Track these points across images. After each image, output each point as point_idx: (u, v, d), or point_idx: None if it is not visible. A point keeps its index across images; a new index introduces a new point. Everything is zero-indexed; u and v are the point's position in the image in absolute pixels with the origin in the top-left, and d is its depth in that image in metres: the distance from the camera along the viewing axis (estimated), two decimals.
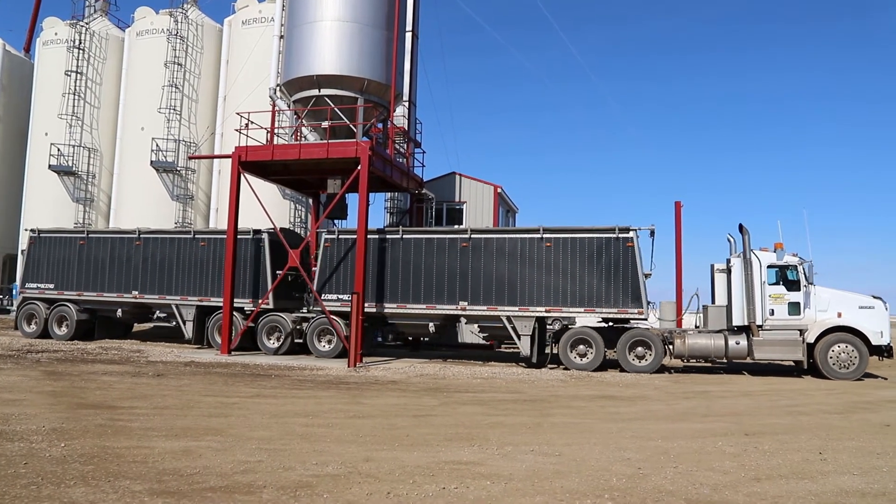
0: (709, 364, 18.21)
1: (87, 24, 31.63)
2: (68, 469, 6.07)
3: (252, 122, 19.57)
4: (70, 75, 30.72)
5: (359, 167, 17.64)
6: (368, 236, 18.24)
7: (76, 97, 30.76)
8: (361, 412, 9.80)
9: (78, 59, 30.90)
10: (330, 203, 19.56)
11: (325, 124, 19.01)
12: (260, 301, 19.08)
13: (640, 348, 16.53)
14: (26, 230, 23.57)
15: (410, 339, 21.74)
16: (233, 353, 18.52)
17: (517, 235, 17.35)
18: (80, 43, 30.96)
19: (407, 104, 22.71)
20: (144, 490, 5.49)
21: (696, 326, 17.69)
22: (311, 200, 24.61)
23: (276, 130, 20.23)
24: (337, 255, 18.54)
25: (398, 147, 22.29)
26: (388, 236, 18.33)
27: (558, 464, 6.82)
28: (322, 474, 6.17)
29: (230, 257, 18.75)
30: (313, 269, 19.27)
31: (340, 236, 18.74)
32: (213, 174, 29.19)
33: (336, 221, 23.19)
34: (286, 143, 20.59)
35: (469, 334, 21.62)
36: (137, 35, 30.61)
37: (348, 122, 19.17)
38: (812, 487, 6.14)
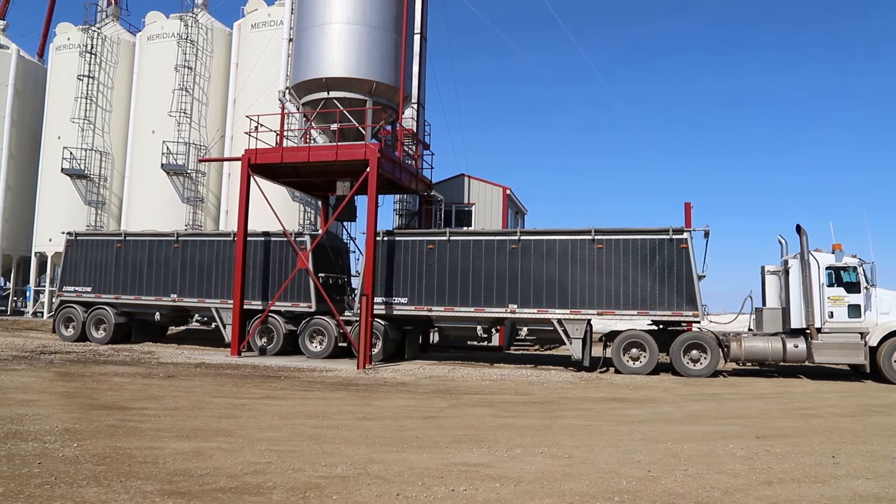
0: (760, 367, 17.89)
1: (99, 29, 31.92)
2: (81, 469, 6.12)
3: (261, 125, 19.66)
4: (82, 80, 31.00)
5: (368, 169, 17.68)
6: (415, 238, 18.19)
7: (88, 101, 31.03)
8: (371, 414, 9.81)
9: (90, 64, 31.18)
10: (339, 205, 19.62)
11: (334, 127, 19.07)
12: (269, 302, 19.14)
13: (694, 351, 16.22)
14: (64, 233, 23.34)
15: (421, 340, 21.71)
16: (275, 356, 18.46)
17: (568, 237, 17.02)
18: (93, 48, 31.25)
19: (415, 106, 22.75)
20: (155, 490, 5.53)
21: (749, 329, 17.43)
22: (320, 203, 24.70)
23: (285, 133, 20.32)
24: (382, 257, 18.24)
25: (407, 149, 22.32)
26: (434, 238, 18.07)
27: (568, 466, 6.80)
28: (331, 476, 6.18)
29: (240, 258, 18.82)
30: (357, 271, 19.12)
31: (386, 238, 18.39)
32: (223, 177, 29.37)
33: (345, 223, 23.28)
34: (295, 145, 20.68)
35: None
36: (148, 39, 30.87)
37: (357, 125, 19.23)
38: (825, 491, 6.08)
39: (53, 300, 33.82)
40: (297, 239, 19.36)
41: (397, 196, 24.61)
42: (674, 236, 16.32)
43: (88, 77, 31.08)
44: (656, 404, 11.66)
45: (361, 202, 22.58)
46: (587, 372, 16.69)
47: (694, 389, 13.95)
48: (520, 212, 26.58)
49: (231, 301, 19.54)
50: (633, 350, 16.52)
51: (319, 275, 18.85)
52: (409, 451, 7.33)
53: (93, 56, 31.23)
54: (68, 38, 32.45)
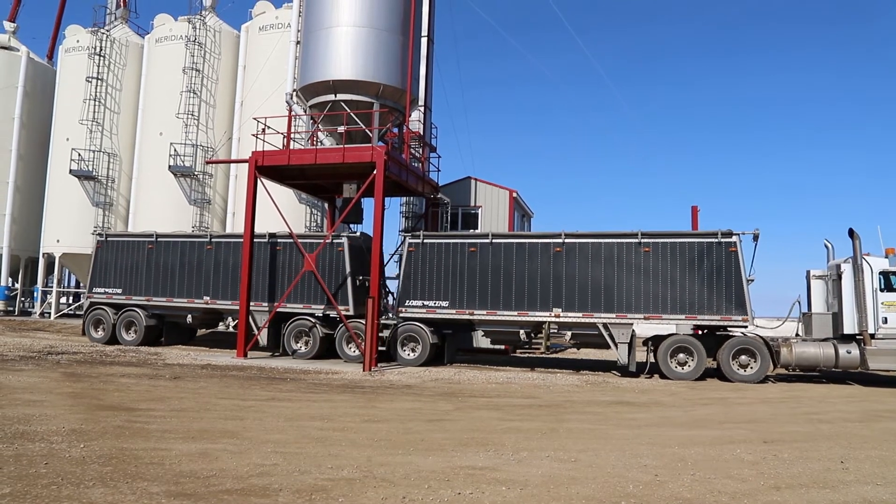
0: (806, 373, 17.54)
1: (107, 31, 32.13)
2: (87, 470, 6.13)
3: (269, 127, 19.71)
4: (91, 81, 31.19)
5: (374, 172, 17.70)
6: (456, 240, 18.04)
7: (97, 103, 31.22)
8: (376, 416, 9.80)
9: (99, 66, 31.37)
10: (346, 207, 19.64)
11: (341, 129, 19.11)
12: (275, 304, 19.15)
13: (743, 356, 16.01)
14: (94, 234, 23.00)
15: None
16: (311, 360, 18.27)
17: (614, 240, 16.83)
18: (101, 50, 31.45)
19: (422, 109, 22.77)
20: (162, 492, 5.53)
21: (797, 334, 17.23)
22: (326, 205, 24.73)
23: (292, 135, 20.36)
24: (422, 259, 18.07)
25: (413, 151, 22.35)
26: (476, 241, 17.92)
27: (574, 470, 6.77)
28: (337, 478, 6.18)
29: (246, 260, 18.82)
30: (396, 273, 19.00)
31: (426, 241, 18.16)
32: (230, 179, 29.46)
33: (351, 225, 23.27)
34: (302, 147, 20.72)
35: (482, 339, 21.43)
36: (156, 42, 31.04)
37: (364, 127, 19.26)
38: (834, 497, 6.04)
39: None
40: (335, 241, 19.10)
41: (404, 198, 24.63)
42: (722, 239, 16.14)
43: (97, 79, 31.27)
44: (663, 408, 11.61)
45: (368, 204, 22.63)
46: (633, 377, 16.52)
47: (701, 393, 13.88)
48: (526, 215, 26.55)
49: (266, 304, 19.33)
50: (681, 355, 16.29)
51: (358, 277, 18.59)
52: (414, 453, 7.31)
53: (101, 58, 31.42)
54: (77, 41, 32.67)
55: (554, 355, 23.80)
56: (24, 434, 7.56)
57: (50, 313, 32.73)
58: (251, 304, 19.45)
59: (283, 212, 20.34)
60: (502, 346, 22.00)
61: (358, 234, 19.93)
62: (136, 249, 21.49)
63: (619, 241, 16.85)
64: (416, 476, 6.32)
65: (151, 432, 7.97)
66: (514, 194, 23.64)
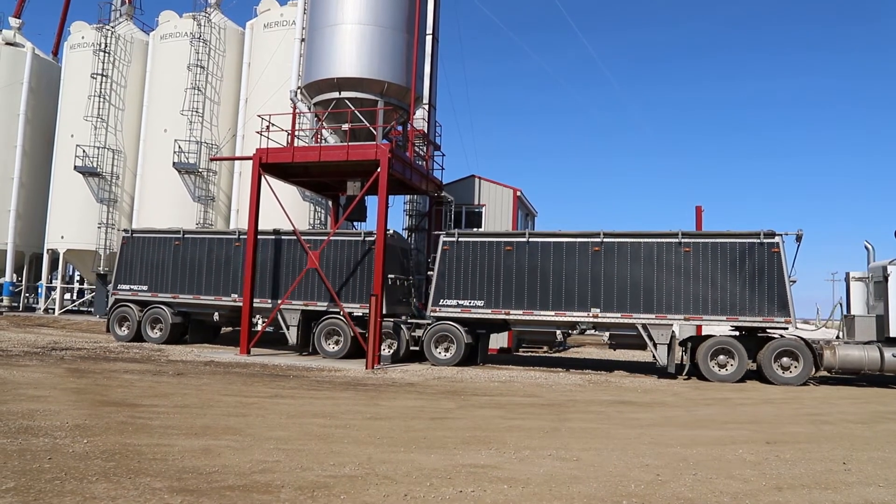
0: (846, 376, 17.31)
1: (112, 28, 32.20)
2: (90, 465, 6.16)
3: (273, 125, 19.73)
4: (96, 78, 31.27)
5: (378, 170, 17.70)
6: (491, 239, 17.91)
7: (101, 100, 31.30)
8: (379, 414, 9.82)
9: (104, 63, 31.45)
10: (349, 205, 19.66)
11: (346, 127, 19.12)
12: (279, 302, 19.18)
13: (785, 359, 15.83)
14: (121, 230, 22.82)
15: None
16: (342, 359, 18.00)
17: (653, 240, 16.69)
18: (106, 46, 31.52)
19: (427, 107, 22.78)
20: (164, 487, 5.55)
21: (837, 337, 17.08)
22: (330, 202, 24.76)
23: (296, 133, 20.38)
24: (456, 258, 17.92)
25: (418, 150, 22.34)
26: (512, 239, 17.80)
27: (576, 469, 6.78)
28: (339, 475, 6.19)
29: (250, 258, 18.85)
30: (429, 272, 18.81)
31: (460, 239, 18.02)
32: (234, 176, 29.51)
33: (354, 223, 23.30)
34: (306, 145, 20.74)
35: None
36: (161, 39, 31.10)
37: (368, 125, 19.27)
38: (836, 498, 6.03)
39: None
40: (367, 239, 18.86)
41: (407, 197, 24.64)
42: (765, 240, 16.05)
43: (102, 75, 31.35)
44: (665, 408, 11.60)
45: (372, 202, 22.64)
46: (670, 378, 16.36)
47: (703, 394, 13.86)
48: (530, 214, 26.52)
49: (295, 302, 19.13)
50: (721, 357, 16.11)
51: (389, 276, 18.36)
52: (417, 451, 7.33)
53: (106, 55, 31.50)
54: (82, 37, 32.75)
55: (557, 354, 23.82)
56: (28, 429, 7.60)
57: (54, 309, 32.84)
58: (281, 302, 19.37)
59: (287, 209, 20.34)
60: (505, 346, 22.05)
61: (391, 232, 19.43)
62: (162, 246, 21.27)
63: (658, 240, 16.71)
64: (418, 474, 6.33)
65: (154, 428, 8.00)
66: (518, 193, 23.62)
